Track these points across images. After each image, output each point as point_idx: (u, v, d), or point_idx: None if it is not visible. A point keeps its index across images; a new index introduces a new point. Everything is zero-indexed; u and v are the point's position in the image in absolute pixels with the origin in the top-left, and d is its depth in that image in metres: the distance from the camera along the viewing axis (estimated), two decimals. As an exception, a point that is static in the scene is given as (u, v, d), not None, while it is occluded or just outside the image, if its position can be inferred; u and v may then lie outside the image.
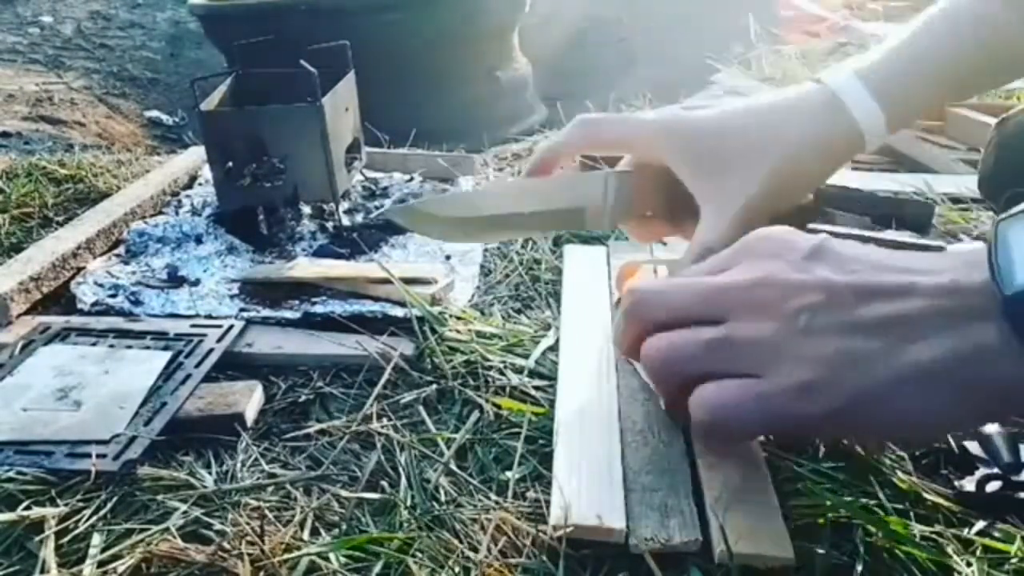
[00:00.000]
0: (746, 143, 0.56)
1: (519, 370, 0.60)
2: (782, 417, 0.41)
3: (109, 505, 0.49)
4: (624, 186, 0.58)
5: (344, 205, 0.89)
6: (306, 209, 0.87)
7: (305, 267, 0.76)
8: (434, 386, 0.59)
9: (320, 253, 0.81)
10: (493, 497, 0.48)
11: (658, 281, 0.47)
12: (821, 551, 0.43)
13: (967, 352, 0.38)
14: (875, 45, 0.60)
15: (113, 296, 0.74)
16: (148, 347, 0.65)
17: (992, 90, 0.77)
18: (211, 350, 0.64)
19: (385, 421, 0.55)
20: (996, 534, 0.44)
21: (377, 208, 0.91)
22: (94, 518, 0.48)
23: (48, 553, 0.45)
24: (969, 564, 0.42)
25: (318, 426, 0.55)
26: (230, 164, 0.83)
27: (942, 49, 0.58)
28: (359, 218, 0.89)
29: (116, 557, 0.44)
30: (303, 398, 0.59)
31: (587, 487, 0.45)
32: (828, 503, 0.45)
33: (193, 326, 0.68)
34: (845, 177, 0.94)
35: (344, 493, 0.49)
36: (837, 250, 0.43)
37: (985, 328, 0.37)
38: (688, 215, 0.58)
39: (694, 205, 0.57)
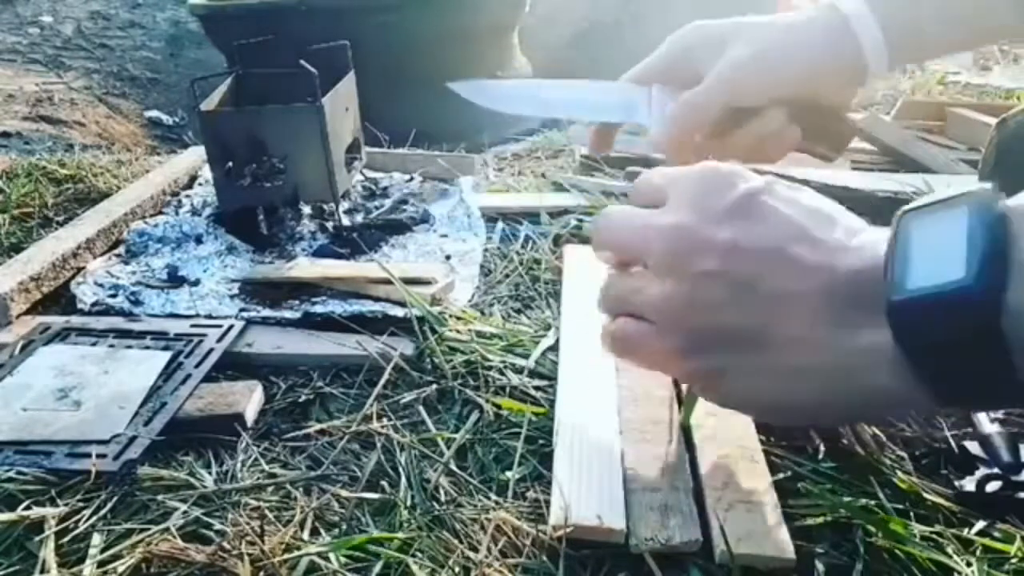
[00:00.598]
0: (747, 24, 0.60)
1: (519, 370, 0.60)
2: (663, 366, 0.46)
3: (109, 505, 0.49)
4: (666, 96, 0.62)
5: (344, 205, 0.89)
6: (306, 209, 0.87)
7: (305, 267, 0.76)
8: (434, 386, 0.59)
9: (320, 253, 0.81)
10: (493, 497, 0.48)
11: (618, 210, 0.48)
12: (821, 551, 0.43)
13: (853, 353, 0.37)
14: None
15: (113, 296, 0.74)
16: (148, 347, 0.65)
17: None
18: (211, 350, 0.64)
19: (385, 421, 0.55)
20: (996, 534, 0.44)
21: (377, 208, 0.91)
22: (94, 518, 0.48)
23: (48, 553, 0.45)
24: (969, 564, 0.42)
25: (318, 426, 0.55)
26: (230, 164, 0.83)
27: None
28: (359, 218, 0.89)
29: (116, 557, 0.44)
30: (303, 398, 0.59)
31: (587, 487, 0.45)
32: (828, 503, 0.45)
33: (193, 326, 0.68)
34: (845, 177, 0.94)
35: (344, 493, 0.49)
36: (766, 204, 0.41)
37: (875, 332, 0.35)
38: (734, 127, 0.61)
39: (736, 117, 0.60)
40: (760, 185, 0.42)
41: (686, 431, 0.50)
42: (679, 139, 0.61)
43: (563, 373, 0.57)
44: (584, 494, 0.45)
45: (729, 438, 0.49)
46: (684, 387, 0.54)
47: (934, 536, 0.44)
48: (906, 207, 0.37)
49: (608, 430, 0.51)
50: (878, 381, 0.36)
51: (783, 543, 0.41)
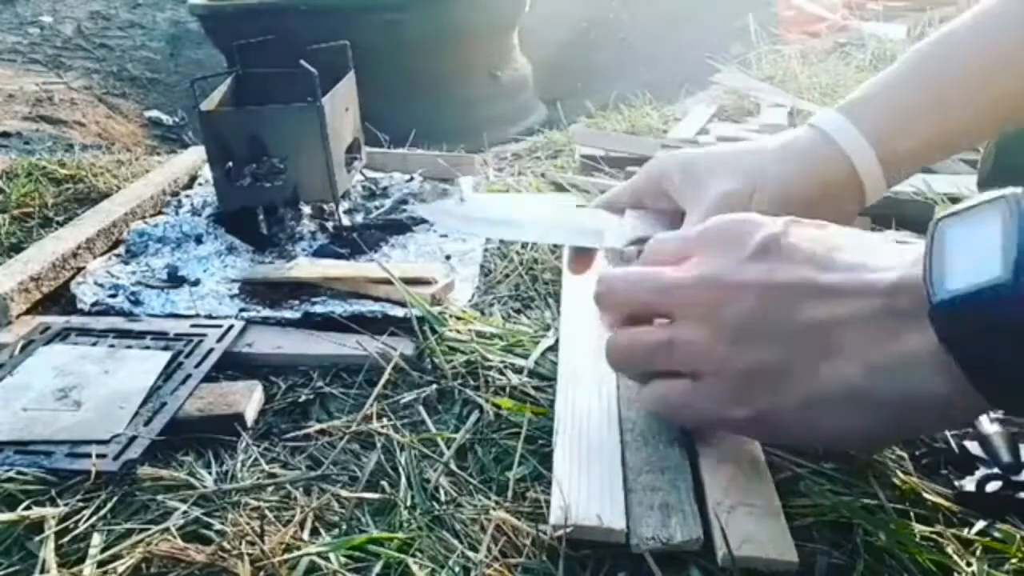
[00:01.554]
0: (730, 154, 0.58)
1: (519, 370, 0.60)
2: (710, 419, 0.45)
3: (109, 505, 0.49)
4: (640, 222, 0.61)
5: (344, 205, 0.89)
6: (306, 209, 0.87)
7: (305, 267, 0.76)
8: (434, 386, 0.59)
9: (320, 253, 0.81)
10: (493, 497, 0.48)
11: (625, 271, 0.49)
12: (821, 551, 0.43)
13: (896, 363, 0.38)
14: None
15: (113, 296, 0.74)
16: (148, 347, 0.65)
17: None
18: (211, 350, 0.64)
19: (385, 421, 0.55)
20: (996, 534, 0.44)
21: (377, 208, 0.91)
22: (94, 518, 0.48)
23: (48, 553, 0.45)
24: (969, 564, 0.42)
25: (318, 426, 0.55)
26: (230, 164, 0.83)
27: (925, 73, 0.57)
28: (359, 218, 0.89)
29: (116, 557, 0.44)
30: (303, 398, 0.59)
31: (587, 487, 0.45)
32: (828, 503, 0.45)
33: (193, 326, 0.68)
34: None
35: (344, 493, 0.49)
36: (788, 242, 0.42)
37: (919, 336, 0.36)
38: None
39: None
40: (779, 228, 0.43)
41: (686, 431, 0.50)
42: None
43: (562, 372, 0.57)
44: (584, 494, 0.45)
45: (730, 438, 0.49)
46: None
47: (934, 536, 0.44)
48: (940, 214, 0.38)
49: (608, 430, 0.51)
50: (927, 386, 0.37)
51: (786, 546, 0.41)
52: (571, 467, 0.47)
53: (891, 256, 0.40)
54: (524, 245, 0.82)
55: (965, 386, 0.36)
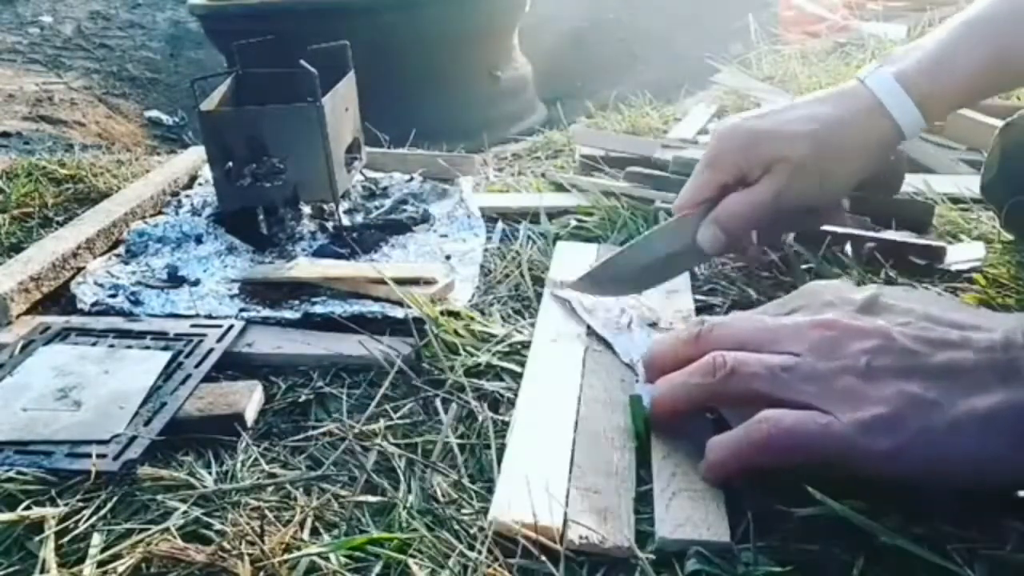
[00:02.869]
0: (795, 137, 0.63)
1: (518, 372, 0.60)
2: (844, 451, 0.41)
3: (109, 505, 0.49)
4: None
5: (344, 205, 0.89)
6: (306, 209, 0.87)
7: (305, 267, 0.76)
8: (433, 387, 0.59)
9: (320, 253, 0.81)
10: (491, 497, 0.47)
11: (723, 317, 0.50)
12: (821, 551, 0.43)
13: (1021, 404, 0.39)
14: (914, 46, 0.66)
15: (113, 296, 0.74)
16: (148, 347, 0.65)
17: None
18: (211, 350, 0.64)
19: (385, 421, 0.55)
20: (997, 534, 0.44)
21: (377, 208, 0.91)
22: (94, 518, 0.48)
23: (48, 553, 0.45)
24: (971, 565, 0.41)
25: (318, 427, 0.55)
26: (230, 164, 0.83)
27: (982, 58, 0.62)
28: (359, 218, 0.89)
29: (116, 557, 0.44)
30: (303, 398, 0.59)
31: (531, 485, 0.45)
32: (828, 503, 0.45)
33: (193, 326, 0.68)
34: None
35: (344, 493, 0.49)
36: (889, 303, 0.45)
37: None
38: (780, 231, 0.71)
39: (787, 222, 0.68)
40: (875, 291, 0.47)
41: (639, 435, 0.50)
42: (737, 235, 0.65)
43: (530, 370, 0.58)
44: (526, 492, 0.44)
45: (685, 435, 0.49)
46: (630, 395, 0.52)
47: (934, 536, 0.43)
48: None
49: (561, 431, 0.51)
50: None
51: (719, 526, 0.42)
52: (518, 465, 0.48)
53: (981, 318, 0.44)
54: (524, 244, 0.82)
55: None
